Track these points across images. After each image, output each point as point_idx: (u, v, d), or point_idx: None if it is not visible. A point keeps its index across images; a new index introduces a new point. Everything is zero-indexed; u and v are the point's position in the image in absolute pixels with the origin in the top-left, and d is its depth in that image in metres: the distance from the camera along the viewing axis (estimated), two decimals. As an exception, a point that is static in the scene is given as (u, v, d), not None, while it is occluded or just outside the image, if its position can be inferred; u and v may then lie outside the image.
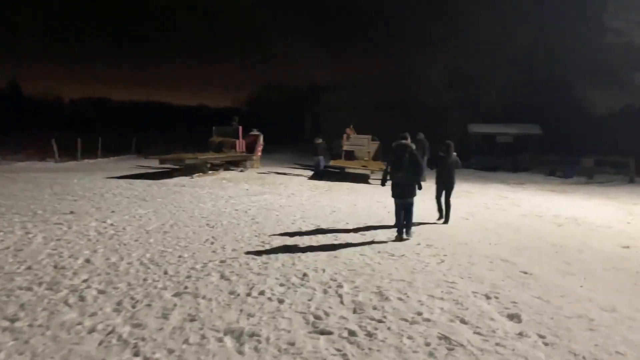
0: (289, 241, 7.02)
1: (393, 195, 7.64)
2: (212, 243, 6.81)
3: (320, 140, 17.75)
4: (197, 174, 15.51)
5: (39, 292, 4.61)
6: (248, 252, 6.29)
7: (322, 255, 6.22)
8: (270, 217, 9.02)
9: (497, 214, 10.27)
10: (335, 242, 7.01)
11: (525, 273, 5.58)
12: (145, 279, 5.06)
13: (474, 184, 17.07)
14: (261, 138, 20.23)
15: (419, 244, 7.00)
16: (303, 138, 45.22)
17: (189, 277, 5.17)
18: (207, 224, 8.21)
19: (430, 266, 5.78)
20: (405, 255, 6.29)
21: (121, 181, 14.27)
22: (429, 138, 16.61)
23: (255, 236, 7.32)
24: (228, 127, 19.17)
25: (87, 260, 5.74)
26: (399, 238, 7.32)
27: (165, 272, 5.31)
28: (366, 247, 6.73)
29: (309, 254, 6.27)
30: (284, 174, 18.89)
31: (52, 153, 21.94)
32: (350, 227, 8.28)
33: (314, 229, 8.05)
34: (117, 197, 11.15)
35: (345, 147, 19.32)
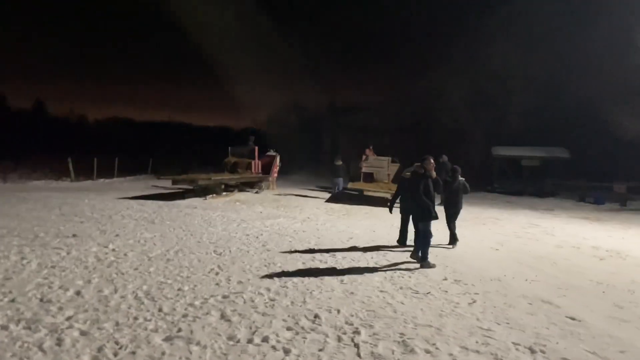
0: (301, 273, 6.38)
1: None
2: (217, 274, 6.21)
3: (340, 162, 17.30)
4: (210, 196, 15.05)
5: (14, 332, 4.06)
6: (255, 286, 5.67)
7: (337, 291, 5.55)
8: (283, 244, 8.40)
9: (529, 244, 9.45)
10: (352, 275, 6.34)
11: (573, 319, 4.80)
12: (136, 318, 4.47)
13: (500, 209, 16.20)
14: (277, 159, 19.78)
15: (445, 279, 6.28)
16: (321, 159, 44.74)
17: (185, 315, 4.56)
18: (215, 251, 7.63)
19: (461, 307, 5.05)
20: (431, 292, 5.58)
21: (132, 202, 13.88)
22: (451, 161, 15.90)
23: (265, 266, 6.70)
24: (244, 147, 18.78)
25: (78, 293, 5.19)
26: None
27: (160, 309, 4.71)
28: (387, 282, 6.04)
29: (322, 289, 5.62)
30: (301, 195, 18.32)
31: (69, 172, 21.85)
32: (368, 257, 7.59)
33: (329, 258, 7.40)
34: (125, 219, 10.70)
35: (364, 169, 18.67)
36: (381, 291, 5.58)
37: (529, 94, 24.40)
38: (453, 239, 8.86)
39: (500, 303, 5.22)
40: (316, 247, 8.20)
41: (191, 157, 37.50)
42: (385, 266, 6.97)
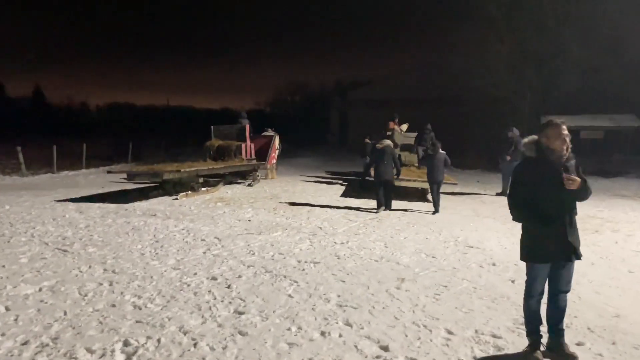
0: None
1: (530, 257, 3.31)
2: None
3: (370, 140, 13.52)
4: (183, 194, 10.89)
5: None
6: None
7: None
8: (277, 305, 4.25)
9: None
10: None
11: None
12: None
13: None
14: (277, 140, 15.50)
15: None
16: (329, 140, 40.68)
17: None
18: (126, 344, 3.50)
19: None
20: None
21: (70, 207, 9.80)
22: (491, 134, 11.81)
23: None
24: (231, 126, 14.46)
25: None
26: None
27: None
28: None
29: None
30: (308, 183, 14.20)
31: (49, 162, 17.95)
32: (456, 345, 3.43)
33: (376, 360, 3.24)
34: (29, 243, 6.67)
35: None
36: None
37: (587, 48, 19.52)
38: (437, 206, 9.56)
39: None
40: (341, 314, 4.03)
41: (183, 142, 33.12)
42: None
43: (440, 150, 9.69)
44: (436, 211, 9.57)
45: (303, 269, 5.46)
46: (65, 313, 4.10)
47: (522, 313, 4.00)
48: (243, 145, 13.69)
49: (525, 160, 3.33)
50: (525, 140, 3.33)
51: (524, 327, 3.72)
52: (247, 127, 14.18)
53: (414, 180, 11.32)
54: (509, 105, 20.66)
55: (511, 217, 3.34)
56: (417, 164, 14.39)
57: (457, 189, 13.01)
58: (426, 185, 11.28)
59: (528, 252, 3.27)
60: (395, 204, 10.40)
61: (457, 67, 21.29)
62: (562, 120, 3.21)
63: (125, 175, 11.27)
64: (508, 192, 3.40)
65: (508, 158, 11.81)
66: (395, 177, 10.00)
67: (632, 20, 18.26)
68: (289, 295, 4.57)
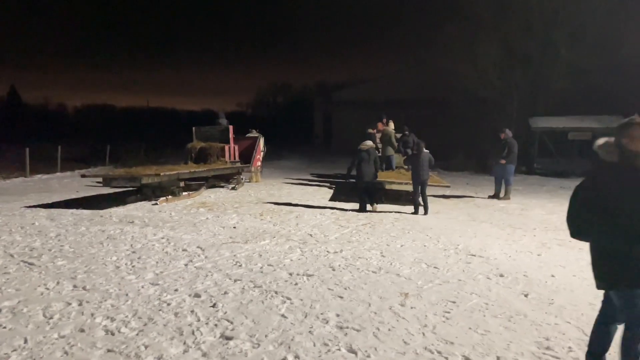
0: None
1: (614, 284, 2.78)
2: None
3: (372, 130, 13.34)
4: (163, 198, 10.30)
5: None
6: None
7: None
8: (267, 329, 3.77)
9: None
10: None
11: None
12: None
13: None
14: (261, 141, 14.97)
15: None
16: (314, 141, 40.25)
17: None
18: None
19: None
20: None
21: (42, 213, 9.16)
22: (479, 135, 11.46)
23: None
24: (214, 127, 13.89)
25: None
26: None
27: None
28: None
29: None
30: (294, 186, 13.71)
31: (22, 165, 17.17)
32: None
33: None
34: (-11, 256, 6.02)
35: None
36: None
37: (576, 48, 19.44)
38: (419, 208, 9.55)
39: None
40: (343, 340, 3.57)
41: (163, 144, 32.22)
42: None
43: (424, 150, 9.72)
44: (425, 212, 9.46)
45: (296, 283, 4.98)
46: (25, 341, 3.56)
47: (544, 334, 3.62)
48: (226, 147, 13.12)
49: (603, 166, 2.81)
50: (601, 142, 2.82)
51: (550, 351, 3.32)
52: (231, 128, 13.61)
53: (405, 184, 10.92)
54: (497, 106, 20.49)
55: (570, 232, 2.84)
56: (405, 166, 14.05)
57: (447, 192, 12.69)
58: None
59: (610, 278, 2.76)
60: (386, 207, 10.03)
61: (444, 67, 21.03)
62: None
63: (101, 179, 10.64)
64: (572, 204, 2.84)
65: (502, 162, 11.41)
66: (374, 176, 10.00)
67: (621, 21, 18.22)
68: (282, 315, 4.08)
